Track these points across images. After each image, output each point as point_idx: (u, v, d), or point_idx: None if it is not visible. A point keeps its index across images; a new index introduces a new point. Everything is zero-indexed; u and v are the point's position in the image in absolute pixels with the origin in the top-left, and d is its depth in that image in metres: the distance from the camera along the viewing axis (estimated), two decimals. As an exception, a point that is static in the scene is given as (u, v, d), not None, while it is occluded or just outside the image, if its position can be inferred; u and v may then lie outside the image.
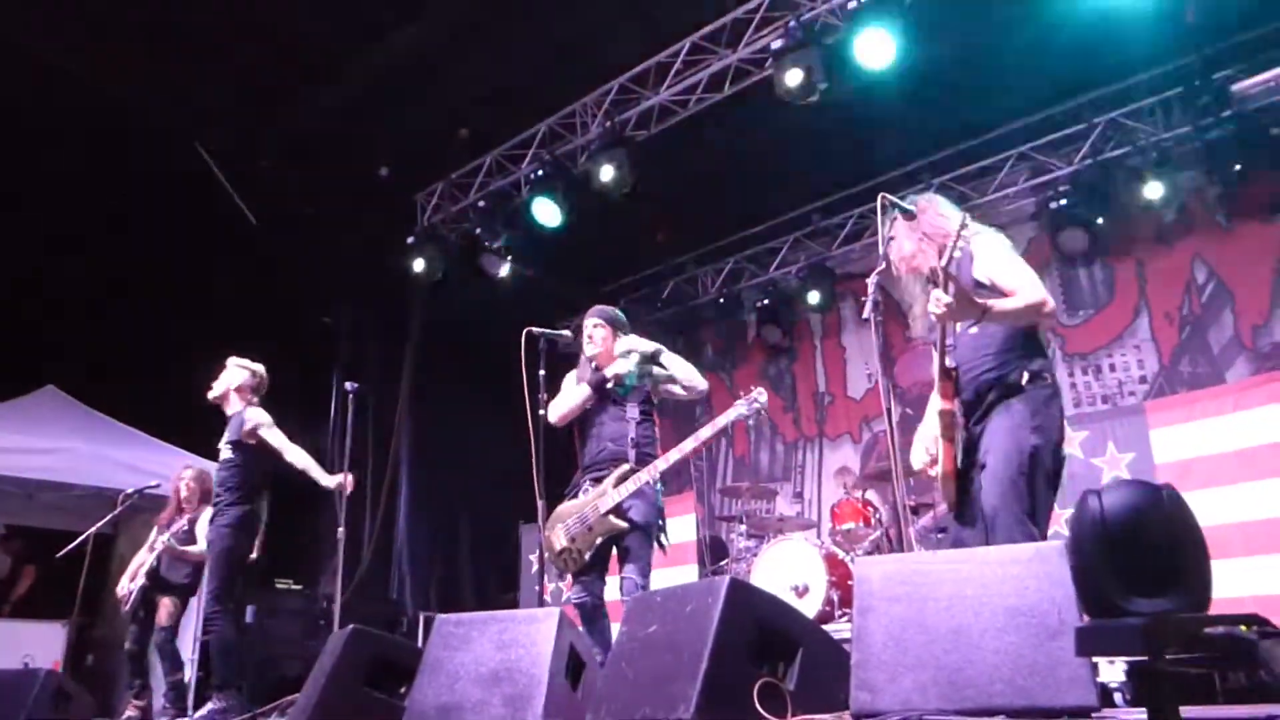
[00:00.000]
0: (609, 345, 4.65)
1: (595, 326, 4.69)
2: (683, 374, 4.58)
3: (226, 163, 8.67)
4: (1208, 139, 7.30)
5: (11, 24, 6.82)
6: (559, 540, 4.38)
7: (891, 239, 3.54)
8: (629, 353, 4.60)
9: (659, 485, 4.41)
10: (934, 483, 3.46)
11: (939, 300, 3.00)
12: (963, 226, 3.08)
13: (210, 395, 5.85)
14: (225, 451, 5.69)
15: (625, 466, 4.32)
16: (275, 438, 5.62)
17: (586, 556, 4.30)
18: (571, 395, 4.65)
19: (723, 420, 4.27)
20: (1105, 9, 6.35)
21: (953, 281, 3.02)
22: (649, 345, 4.64)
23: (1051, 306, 3.21)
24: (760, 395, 4.30)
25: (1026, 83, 7.63)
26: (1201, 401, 6.43)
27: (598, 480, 4.39)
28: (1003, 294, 3.18)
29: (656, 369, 4.61)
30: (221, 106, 7.96)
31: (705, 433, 4.30)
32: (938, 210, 3.50)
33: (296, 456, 5.60)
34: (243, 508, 5.53)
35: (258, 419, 5.65)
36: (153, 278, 8.05)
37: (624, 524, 4.22)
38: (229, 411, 5.78)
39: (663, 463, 4.28)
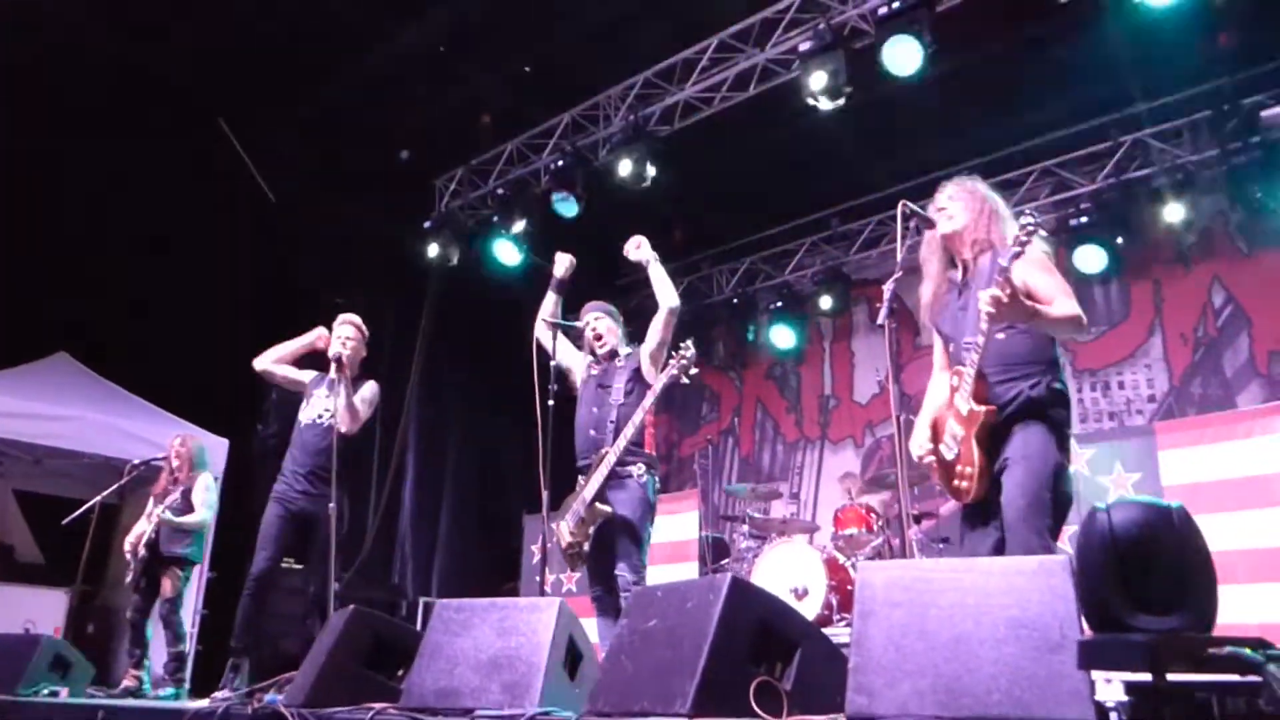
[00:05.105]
0: (615, 338, 4.67)
1: (597, 319, 4.68)
2: (660, 289, 4.49)
3: (247, 138, 8.69)
4: (1233, 164, 7.27)
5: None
6: (565, 536, 4.43)
7: (942, 210, 3.46)
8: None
9: (647, 478, 4.39)
10: (937, 485, 3.43)
11: (995, 298, 2.96)
12: (1030, 231, 2.99)
13: (347, 355, 5.07)
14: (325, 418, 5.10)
15: (604, 451, 4.33)
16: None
17: (586, 548, 4.38)
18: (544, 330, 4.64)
19: (660, 385, 4.27)
20: (1138, 29, 6.30)
21: (1008, 282, 2.97)
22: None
23: (1085, 322, 3.18)
24: (688, 351, 4.23)
25: (1054, 99, 7.60)
26: (1214, 425, 6.38)
27: (584, 471, 4.44)
28: (1037, 302, 3.13)
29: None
30: (245, 80, 7.97)
31: (648, 401, 4.32)
32: (999, 205, 3.46)
33: None
34: None
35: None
36: (167, 249, 8.06)
37: (608, 509, 4.26)
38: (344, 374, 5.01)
39: (621, 439, 4.27)
